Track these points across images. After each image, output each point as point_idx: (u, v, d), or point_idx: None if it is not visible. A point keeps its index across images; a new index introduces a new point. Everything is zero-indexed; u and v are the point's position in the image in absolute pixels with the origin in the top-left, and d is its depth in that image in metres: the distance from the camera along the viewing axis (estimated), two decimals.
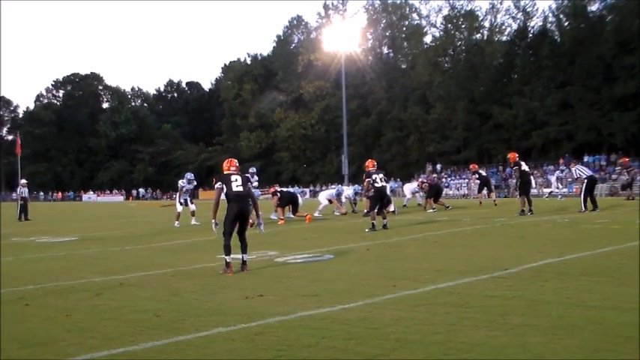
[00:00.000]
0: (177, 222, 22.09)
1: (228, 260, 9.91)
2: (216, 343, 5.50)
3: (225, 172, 10.68)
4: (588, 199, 21.73)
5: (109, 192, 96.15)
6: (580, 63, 55.58)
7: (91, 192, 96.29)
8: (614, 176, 46.67)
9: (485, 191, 30.45)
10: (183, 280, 9.22)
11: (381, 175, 17.94)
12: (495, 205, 27.46)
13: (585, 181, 21.93)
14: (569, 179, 39.78)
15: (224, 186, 10.31)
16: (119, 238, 18.05)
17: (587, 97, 54.21)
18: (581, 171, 22.55)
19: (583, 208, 21.36)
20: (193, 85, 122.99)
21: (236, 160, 11.03)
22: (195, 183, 23.85)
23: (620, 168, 38.12)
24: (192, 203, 23.11)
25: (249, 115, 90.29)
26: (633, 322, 5.69)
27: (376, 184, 17.57)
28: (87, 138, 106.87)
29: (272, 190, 24.65)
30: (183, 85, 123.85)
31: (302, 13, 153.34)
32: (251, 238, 16.18)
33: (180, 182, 23.09)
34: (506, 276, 8.44)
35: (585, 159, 48.15)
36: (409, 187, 31.52)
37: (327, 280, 8.77)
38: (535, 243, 12.47)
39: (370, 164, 18.74)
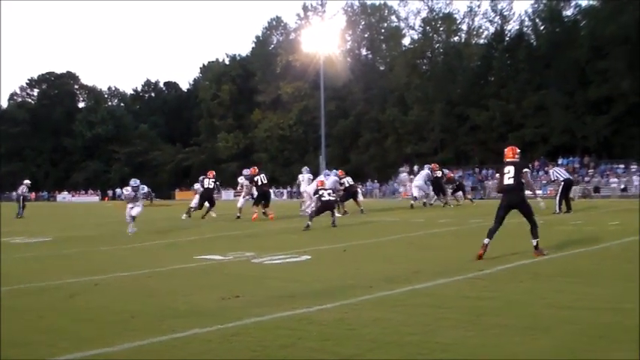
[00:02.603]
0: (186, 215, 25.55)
1: (485, 242, 10.55)
2: (192, 345, 5.49)
3: (505, 160, 11.14)
4: (563, 201, 21.94)
5: (84, 192, 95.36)
6: (555, 66, 56.11)
7: (66, 192, 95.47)
8: (586, 179, 47.28)
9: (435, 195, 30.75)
10: (160, 281, 9.18)
11: (329, 191, 19.80)
12: (443, 206, 28.38)
13: (562, 183, 22.15)
14: (545, 181, 40.18)
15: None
16: (94, 238, 17.91)
17: (562, 100, 54.70)
18: (558, 173, 22.79)
19: (557, 210, 21.55)
20: (171, 85, 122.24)
21: (516, 148, 11.37)
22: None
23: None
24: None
25: (227, 116, 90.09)
26: (606, 322, 5.77)
27: (322, 199, 19.33)
28: (62, 137, 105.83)
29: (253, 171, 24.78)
30: (161, 85, 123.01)
31: (281, 14, 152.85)
32: (227, 239, 16.22)
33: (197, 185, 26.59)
34: (482, 277, 8.50)
35: (559, 161, 48.58)
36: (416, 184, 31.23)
37: (303, 281, 8.78)
38: (510, 244, 12.55)
39: (320, 184, 20.59)
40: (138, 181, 18.27)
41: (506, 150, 11.37)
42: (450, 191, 30.46)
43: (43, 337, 5.87)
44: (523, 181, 10.75)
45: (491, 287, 7.67)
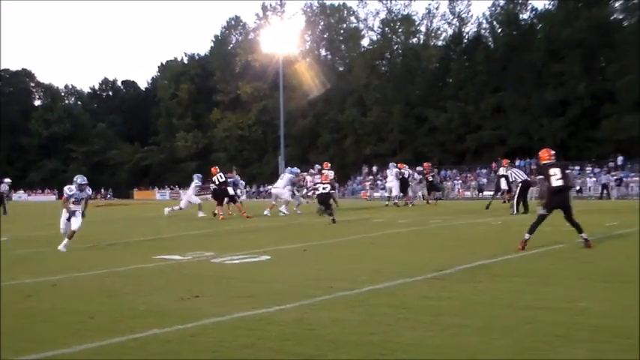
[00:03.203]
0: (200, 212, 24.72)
1: (526, 237, 11.23)
2: (151, 345, 5.45)
3: (544, 162, 11.47)
4: (521, 202, 22.17)
5: (40, 191, 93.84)
6: (512, 69, 56.86)
7: (22, 191, 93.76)
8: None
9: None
10: (119, 281, 9.08)
11: (325, 185, 20.36)
12: (397, 206, 29.28)
13: (520, 184, 22.39)
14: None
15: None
16: (51, 238, 17.56)
17: (519, 102, 55.44)
18: (517, 174, 22.99)
19: (514, 211, 21.80)
20: (129, 84, 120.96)
21: (550, 149, 11.78)
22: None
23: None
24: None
25: (185, 115, 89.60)
26: (562, 321, 5.86)
27: (317, 192, 20.67)
28: (18, 136, 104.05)
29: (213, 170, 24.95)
30: (119, 83, 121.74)
31: (240, 14, 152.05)
32: (187, 239, 16.11)
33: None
34: (442, 277, 8.57)
35: (517, 163, 49.27)
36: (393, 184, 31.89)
37: (263, 281, 8.75)
38: (469, 245, 12.69)
39: (324, 178, 21.19)
40: (85, 179, 14.72)
41: (541, 153, 11.78)
42: (424, 189, 31.50)
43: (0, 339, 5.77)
44: None
45: (451, 287, 7.74)
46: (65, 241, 13.78)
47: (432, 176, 31.71)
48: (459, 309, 6.52)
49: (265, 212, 24.72)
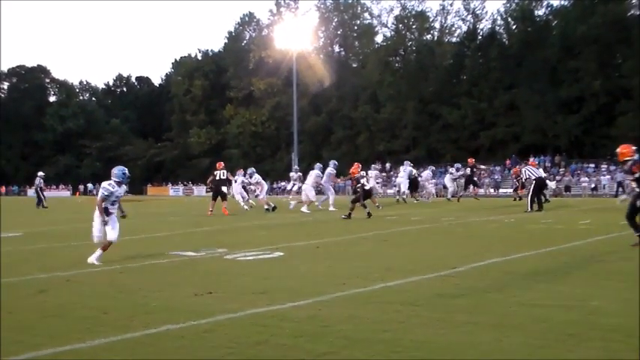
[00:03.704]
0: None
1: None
2: (165, 341, 5.46)
3: (630, 158, 11.46)
4: (535, 200, 22.10)
5: (55, 187, 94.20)
6: (527, 66, 56.55)
7: None
8: (557, 177, 47.71)
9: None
10: (132, 277, 9.11)
11: (365, 179, 21.08)
12: (404, 202, 30.62)
13: (534, 182, 22.31)
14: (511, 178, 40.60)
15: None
16: (65, 233, 17.69)
17: (533, 99, 55.15)
18: (531, 172, 22.89)
19: (529, 209, 21.73)
20: (143, 80, 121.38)
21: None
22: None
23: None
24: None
25: (199, 112, 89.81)
26: (575, 319, 5.84)
27: (365, 188, 20.76)
28: (33, 132, 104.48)
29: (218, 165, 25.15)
30: (133, 79, 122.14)
31: (254, 10, 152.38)
32: (199, 235, 16.15)
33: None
34: (454, 275, 8.55)
35: (531, 160, 49.06)
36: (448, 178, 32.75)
37: (276, 277, 8.76)
38: (482, 242, 12.65)
39: (356, 170, 21.29)
40: (126, 170, 11.63)
41: (622, 149, 11.72)
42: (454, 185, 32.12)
43: (13, 334, 5.79)
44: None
45: (463, 285, 7.72)
46: (98, 252, 11.07)
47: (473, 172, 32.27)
48: (471, 307, 6.51)
49: (290, 206, 25.47)
